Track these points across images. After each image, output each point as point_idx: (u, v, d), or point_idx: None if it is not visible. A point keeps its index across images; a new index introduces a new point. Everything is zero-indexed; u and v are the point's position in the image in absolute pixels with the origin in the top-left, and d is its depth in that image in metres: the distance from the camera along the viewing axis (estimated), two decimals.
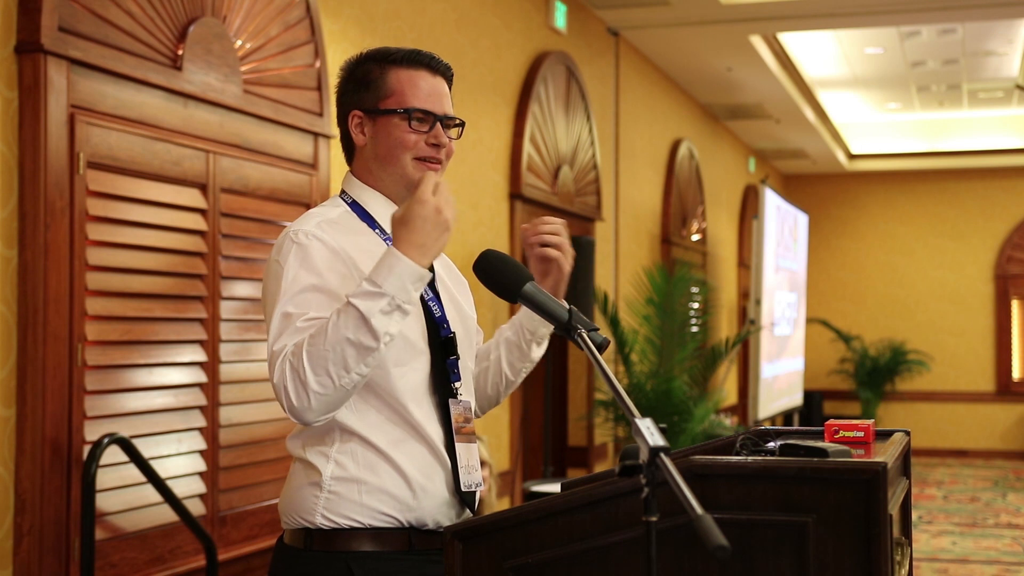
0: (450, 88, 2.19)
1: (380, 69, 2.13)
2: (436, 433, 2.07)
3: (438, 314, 2.12)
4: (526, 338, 2.28)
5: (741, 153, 12.70)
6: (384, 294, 1.89)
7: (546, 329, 2.27)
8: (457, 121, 2.17)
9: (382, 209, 2.14)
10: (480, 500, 4.21)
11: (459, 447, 2.09)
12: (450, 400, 2.10)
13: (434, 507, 2.06)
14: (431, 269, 2.14)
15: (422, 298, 2.10)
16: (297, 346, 1.91)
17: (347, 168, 2.22)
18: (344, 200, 2.17)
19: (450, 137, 2.15)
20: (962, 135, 13.42)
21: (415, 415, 2.05)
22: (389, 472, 2.02)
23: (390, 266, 1.91)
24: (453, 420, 2.09)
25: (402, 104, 2.11)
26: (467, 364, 2.19)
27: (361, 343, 1.88)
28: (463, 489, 2.08)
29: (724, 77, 9.63)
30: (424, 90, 2.13)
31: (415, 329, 2.07)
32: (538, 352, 2.31)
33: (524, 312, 2.26)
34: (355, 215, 2.14)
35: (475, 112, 5.80)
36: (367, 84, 2.13)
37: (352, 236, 2.09)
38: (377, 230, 2.12)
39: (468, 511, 2.13)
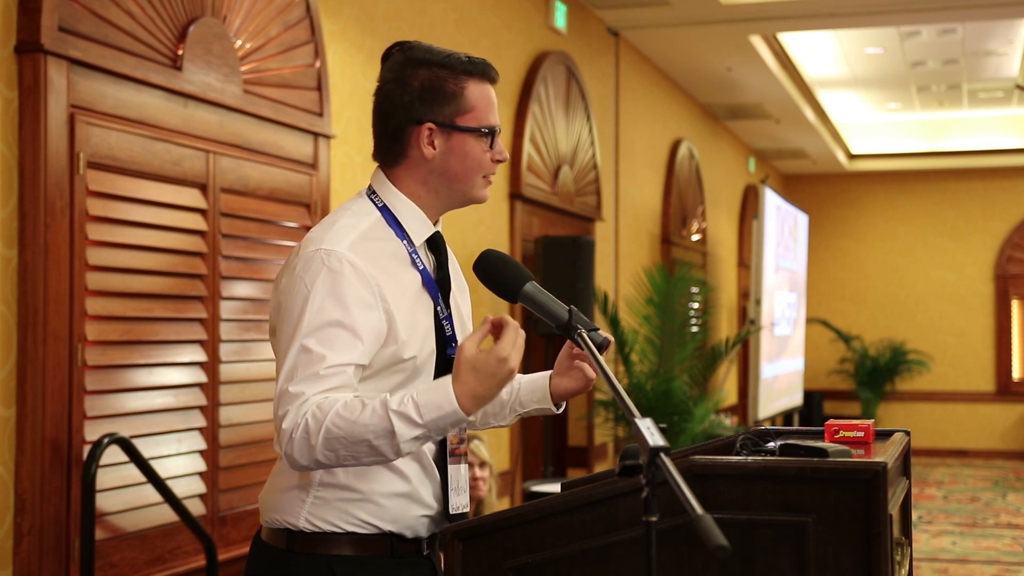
0: None
1: (455, 80, 2.06)
2: (429, 452, 2.07)
3: (449, 333, 2.09)
4: (513, 407, 2.27)
5: (741, 153, 12.69)
6: (423, 428, 1.86)
7: (537, 409, 2.26)
8: None
9: (415, 223, 2.09)
10: (480, 500, 4.22)
11: (451, 468, 2.08)
12: None
13: (419, 523, 2.06)
14: (447, 280, 2.13)
15: (437, 316, 2.08)
16: (320, 411, 1.87)
17: (377, 166, 2.15)
18: (374, 203, 2.10)
19: None
20: (962, 135, 13.41)
21: None
22: (379, 483, 2.01)
23: (440, 406, 1.86)
24: (448, 441, 2.08)
25: (482, 123, 2.06)
26: None
27: (380, 451, 1.87)
28: (451, 511, 2.08)
29: (724, 77, 9.63)
30: (495, 106, 2.10)
31: (425, 350, 2.05)
32: (513, 420, 2.30)
33: (526, 386, 2.26)
34: (385, 222, 2.07)
35: None
36: (444, 95, 2.05)
37: (382, 250, 2.03)
38: (405, 241, 2.07)
39: None
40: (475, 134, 2.06)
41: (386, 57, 2.13)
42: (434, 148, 2.06)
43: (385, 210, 2.08)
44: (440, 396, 1.86)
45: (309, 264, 1.97)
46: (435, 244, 2.13)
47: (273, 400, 1.94)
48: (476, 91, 2.07)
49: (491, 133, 2.07)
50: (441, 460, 2.08)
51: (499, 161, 2.10)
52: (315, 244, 1.99)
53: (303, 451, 1.87)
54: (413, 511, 2.04)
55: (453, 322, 2.11)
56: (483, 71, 2.09)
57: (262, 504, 2.10)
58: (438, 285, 2.10)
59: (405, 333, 2.00)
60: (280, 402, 1.91)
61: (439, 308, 2.08)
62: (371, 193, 2.12)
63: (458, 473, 2.10)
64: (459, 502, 2.09)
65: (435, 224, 2.13)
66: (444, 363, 2.06)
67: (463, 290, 2.24)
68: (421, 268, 2.07)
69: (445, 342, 2.08)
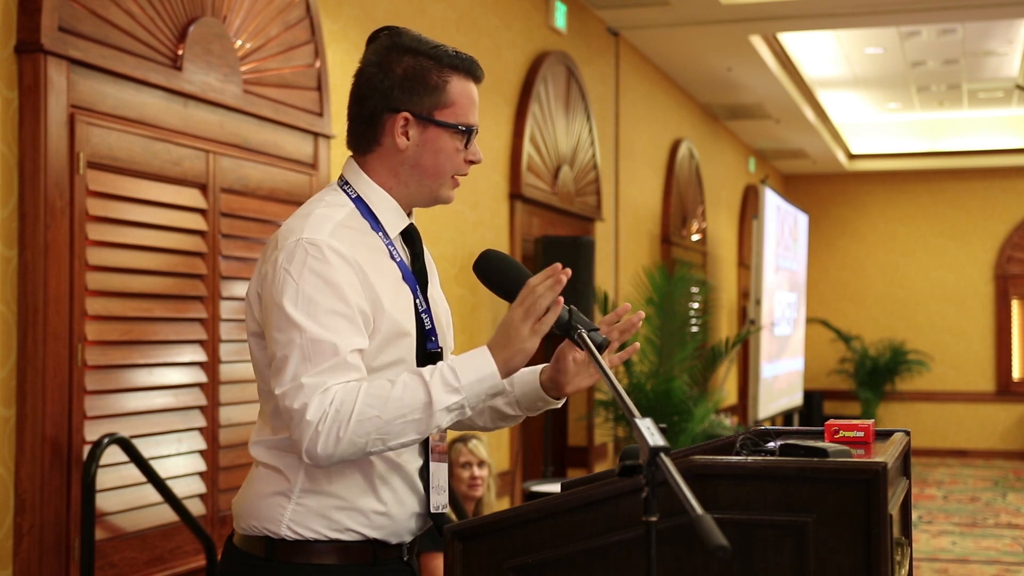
0: None
1: (439, 73, 2.01)
2: (412, 451, 2.02)
3: (428, 327, 2.04)
4: (524, 404, 2.18)
5: (741, 153, 12.69)
6: (461, 394, 1.86)
7: (544, 406, 2.17)
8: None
9: (390, 215, 2.04)
10: (480, 500, 4.21)
11: (433, 467, 2.04)
12: None
13: (403, 527, 2.02)
14: (424, 273, 2.09)
15: (416, 309, 2.03)
16: (348, 396, 1.83)
17: (350, 155, 2.09)
18: (348, 194, 2.04)
19: None
20: (962, 135, 13.41)
21: None
22: (361, 488, 1.96)
23: (478, 369, 1.87)
24: (430, 439, 2.03)
25: (461, 120, 2.02)
26: None
27: (414, 428, 1.85)
28: (432, 511, 2.04)
29: (724, 77, 9.63)
30: (476, 106, 2.06)
31: (412, 349, 2.00)
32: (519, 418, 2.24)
33: (520, 387, 2.16)
34: (359, 213, 2.02)
35: None
36: (425, 86, 2.00)
37: (361, 240, 1.98)
38: (380, 233, 2.02)
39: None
40: (451, 130, 2.01)
41: (372, 39, 2.07)
42: (408, 139, 2.01)
43: (359, 201, 2.03)
44: (478, 361, 1.87)
45: (292, 256, 1.91)
46: (409, 236, 2.08)
47: (279, 394, 1.87)
48: (459, 87, 2.03)
49: (468, 132, 2.03)
50: (424, 463, 2.04)
51: (472, 162, 2.06)
52: (295, 235, 1.93)
53: (329, 441, 1.82)
54: (397, 518, 2.00)
55: (432, 317, 2.06)
56: (469, 68, 2.05)
57: (237, 510, 2.03)
58: (415, 277, 2.06)
59: (398, 315, 1.96)
60: (296, 395, 1.84)
61: (418, 301, 2.04)
62: (343, 184, 2.06)
63: (438, 471, 2.06)
64: (439, 501, 2.06)
65: (408, 216, 2.08)
66: (424, 358, 2.01)
67: (432, 272, 2.17)
68: (398, 260, 2.03)
69: (424, 336, 2.03)
